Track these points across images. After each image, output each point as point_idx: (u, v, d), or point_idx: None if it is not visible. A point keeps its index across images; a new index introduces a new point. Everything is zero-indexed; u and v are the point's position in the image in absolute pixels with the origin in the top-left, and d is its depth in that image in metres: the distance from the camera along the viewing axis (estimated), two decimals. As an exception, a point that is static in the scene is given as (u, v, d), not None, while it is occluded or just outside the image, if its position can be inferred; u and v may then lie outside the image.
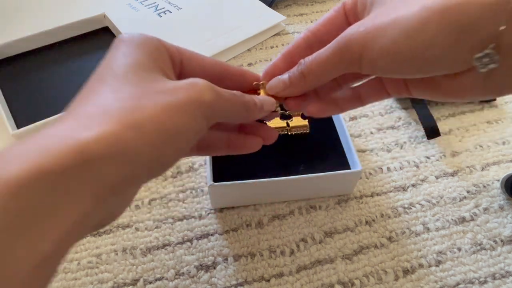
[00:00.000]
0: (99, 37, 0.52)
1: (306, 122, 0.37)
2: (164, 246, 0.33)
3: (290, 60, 0.26)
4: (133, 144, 0.16)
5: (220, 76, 0.24)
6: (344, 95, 0.27)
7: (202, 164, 0.39)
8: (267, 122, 0.36)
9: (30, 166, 0.13)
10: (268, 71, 0.26)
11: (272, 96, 0.26)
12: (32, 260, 0.13)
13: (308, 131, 0.37)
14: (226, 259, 0.32)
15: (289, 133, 0.36)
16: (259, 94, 0.26)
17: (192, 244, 0.33)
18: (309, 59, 0.23)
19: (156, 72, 0.19)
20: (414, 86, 0.23)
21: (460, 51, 0.17)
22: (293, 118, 0.37)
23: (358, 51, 0.20)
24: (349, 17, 0.24)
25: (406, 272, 0.32)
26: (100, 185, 0.15)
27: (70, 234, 0.15)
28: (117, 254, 0.32)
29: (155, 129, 0.17)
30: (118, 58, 0.19)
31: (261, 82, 0.26)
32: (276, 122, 0.37)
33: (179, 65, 0.22)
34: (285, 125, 0.37)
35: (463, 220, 0.35)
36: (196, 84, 0.19)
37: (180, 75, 0.22)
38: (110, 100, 0.17)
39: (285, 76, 0.25)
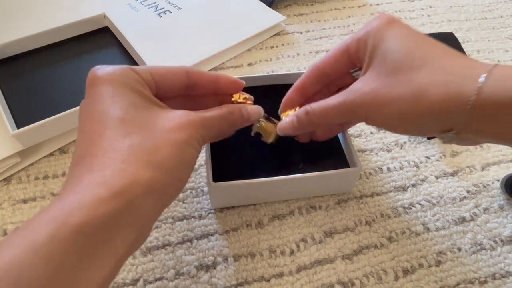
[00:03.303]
0: (99, 37, 0.52)
1: None
2: (164, 246, 0.33)
3: (302, 92, 0.31)
4: (162, 182, 0.20)
5: (194, 85, 0.27)
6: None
7: (202, 164, 0.39)
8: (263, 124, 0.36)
9: (88, 213, 0.17)
10: (286, 103, 0.31)
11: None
12: (98, 279, 0.17)
13: None
14: (226, 259, 0.32)
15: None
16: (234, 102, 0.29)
17: (192, 244, 0.33)
18: (316, 108, 0.27)
19: (149, 104, 0.22)
20: None
21: (433, 131, 0.24)
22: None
23: (363, 114, 0.25)
24: (352, 58, 0.28)
25: (406, 272, 0.32)
26: (141, 219, 0.19)
27: (121, 259, 0.19)
28: (117, 254, 0.32)
29: (174, 166, 0.21)
30: (109, 101, 0.21)
31: (238, 99, 0.29)
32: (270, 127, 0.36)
33: (154, 87, 0.24)
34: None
35: (463, 220, 0.35)
36: (190, 121, 0.22)
37: (156, 95, 0.24)
38: (126, 145, 0.20)
39: (293, 118, 0.29)
